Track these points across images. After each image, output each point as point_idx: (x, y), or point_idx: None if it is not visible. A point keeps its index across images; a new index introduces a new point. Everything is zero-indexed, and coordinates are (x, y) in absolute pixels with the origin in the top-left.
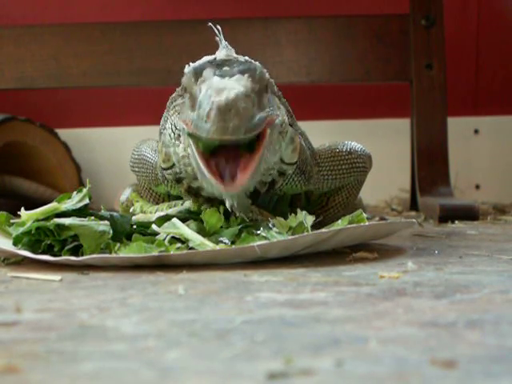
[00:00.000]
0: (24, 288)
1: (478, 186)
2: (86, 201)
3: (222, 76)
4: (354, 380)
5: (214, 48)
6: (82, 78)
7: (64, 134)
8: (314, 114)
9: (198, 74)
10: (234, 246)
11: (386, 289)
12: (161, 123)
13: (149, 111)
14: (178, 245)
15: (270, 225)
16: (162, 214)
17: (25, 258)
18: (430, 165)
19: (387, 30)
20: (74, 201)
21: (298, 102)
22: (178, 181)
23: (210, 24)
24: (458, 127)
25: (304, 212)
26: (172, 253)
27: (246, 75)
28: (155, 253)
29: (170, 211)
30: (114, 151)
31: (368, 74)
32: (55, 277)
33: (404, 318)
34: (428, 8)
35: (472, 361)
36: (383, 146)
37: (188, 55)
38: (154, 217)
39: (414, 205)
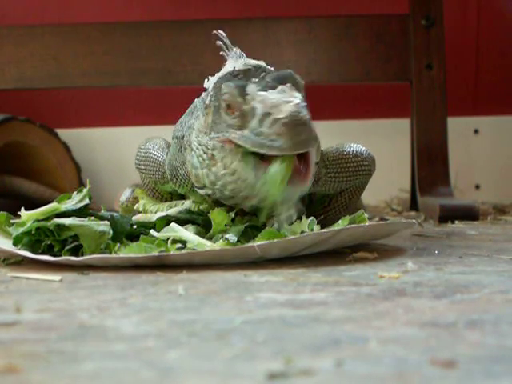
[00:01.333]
0: (24, 288)
1: (477, 186)
2: (86, 201)
3: (264, 89)
4: (354, 380)
5: (214, 48)
6: (81, 78)
7: (64, 134)
8: (314, 114)
9: (241, 91)
10: (236, 246)
11: (386, 289)
12: (178, 127)
13: (149, 111)
14: (179, 245)
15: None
16: (162, 214)
17: (25, 258)
18: (430, 165)
19: (387, 30)
20: (74, 201)
21: None
22: (212, 197)
23: (214, 32)
24: (458, 127)
25: (311, 219)
26: (172, 253)
27: (289, 84)
28: (155, 253)
29: (171, 211)
30: (114, 151)
31: (368, 74)
32: (55, 277)
33: (404, 318)
34: (428, 8)
35: (472, 361)
36: (383, 146)
37: (188, 55)
38: (154, 217)
39: (414, 205)
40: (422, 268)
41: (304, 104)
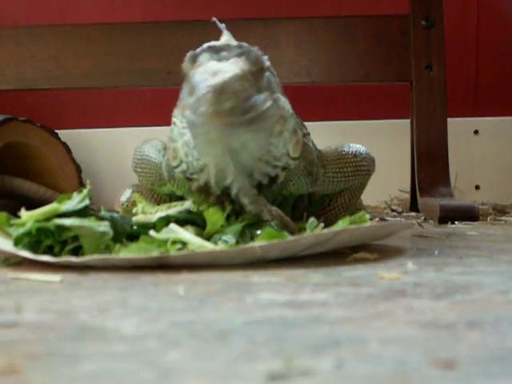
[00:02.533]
0: (24, 289)
1: (477, 187)
2: (87, 202)
3: (219, 60)
4: (354, 381)
5: None
6: (82, 79)
7: (64, 134)
8: (315, 114)
9: (195, 59)
10: (236, 247)
11: (386, 289)
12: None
13: (149, 112)
14: (179, 246)
15: (273, 223)
16: (162, 214)
17: (25, 259)
18: (430, 165)
19: (387, 31)
20: (75, 202)
21: (298, 102)
22: (190, 179)
23: (214, 18)
24: (458, 128)
25: (312, 219)
26: (172, 254)
27: (243, 57)
28: (155, 254)
29: (171, 211)
30: (115, 152)
31: (368, 74)
32: (55, 277)
33: (404, 318)
34: (428, 9)
35: (472, 361)
36: (383, 146)
37: None
38: (154, 217)
39: (414, 205)
40: (422, 268)
41: (243, 76)
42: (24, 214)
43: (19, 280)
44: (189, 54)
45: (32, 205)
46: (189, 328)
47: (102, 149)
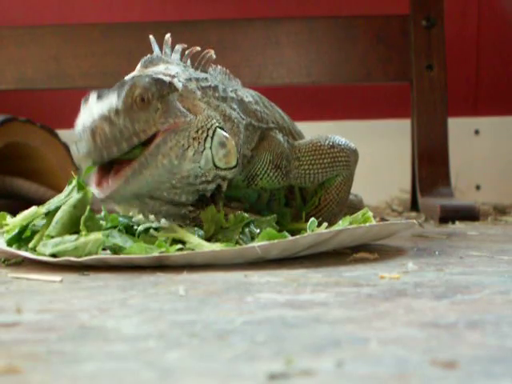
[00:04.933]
0: (24, 289)
1: (478, 187)
2: (75, 194)
3: (100, 99)
4: (354, 380)
5: (215, 48)
6: (82, 79)
7: (65, 134)
8: (315, 114)
9: (86, 99)
10: (236, 247)
11: (386, 289)
12: None
13: None
14: (179, 246)
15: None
16: None
17: (25, 259)
18: (431, 165)
19: (388, 31)
20: (63, 195)
21: (298, 102)
22: None
23: (150, 37)
24: (459, 128)
25: (312, 219)
26: (172, 253)
27: (116, 94)
28: (156, 253)
29: None
30: None
31: (368, 74)
32: (56, 277)
33: (404, 318)
34: (428, 9)
35: (472, 361)
36: (384, 146)
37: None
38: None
39: (414, 205)
40: (423, 268)
41: (106, 118)
42: (10, 221)
43: (19, 280)
44: (84, 97)
45: (32, 205)
46: (189, 328)
47: None
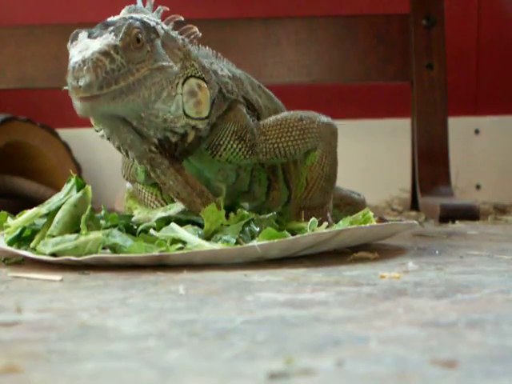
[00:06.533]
0: (24, 288)
1: (478, 186)
2: (74, 193)
3: (94, 37)
4: (354, 380)
5: (215, 47)
6: None
7: (64, 133)
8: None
9: (76, 37)
10: (236, 246)
11: (386, 289)
12: None
13: None
14: (179, 245)
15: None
16: (163, 214)
17: (25, 258)
18: (431, 165)
19: (388, 30)
20: (62, 194)
21: (298, 101)
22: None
23: None
24: (459, 127)
25: (312, 219)
26: (172, 253)
27: (112, 33)
28: (156, 253)
29: (171, 212)
30: (115, 151)
31: (368, 73)
32: (56, 277)
33: (405, 317)
34: (429, 8)
35: (472, 361)
36: (384, 146)
37: None
38: (154, 217)
39: (414, 205)
40: (423, 268)
41: (103, 52)
42: (11, 223)
43: (20, 279)
44: (72, 33)
45: (32, 204)
46: (189, 327)
47: (102, 148)
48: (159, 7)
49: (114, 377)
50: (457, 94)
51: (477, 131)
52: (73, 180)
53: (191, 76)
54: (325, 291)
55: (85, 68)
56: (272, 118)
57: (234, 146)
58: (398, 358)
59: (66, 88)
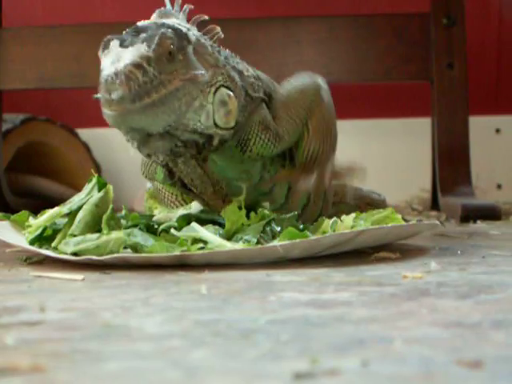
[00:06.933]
0: (47, 287)
1: (499, 186)
2: (95, 193)
3: (126, 46)
4: (380, 380)
5: (233, 48)
6: None
7: (84, 133)
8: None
9: (107, 45)
10: (257, 246)
11: (409, 289)
12: None
13: None
14: (200, 245)
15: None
16: (184, 212)
17: (47, 258)
18: (451, 164)
19: (408, 29)
20: (83, 194)
21: None
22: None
23: None
24: (480, 126)
25: (334, 219)
26: (194, 252)
27: (145, 43)
28: (177, 252)
29: (192, 210)
30: (134, 151)
31: (388, 73)
32: (77, 276)
33: (428, 318)
34: (449, 7)
35: (498, 361)
36: (404, 145)
37: None
38: (175, 217)
39: (434, 204)
40: (446, 268)
41: (136, 64)
42: (32, 222)
43: (42, 278)
44: (102, 41)
45: (52, 204)
46: (213, 327)
47: (122, 148)
48: (185, 6)
49: (138, 376)
50: (477, 93)
51: (498, 130)
52: (94, 180)
53: (222, 85)
54: (347, 291)
55: (117, 81)
56: (276, 103)
57: (263, 136)
58: (422, 359)
59: (97, 96)
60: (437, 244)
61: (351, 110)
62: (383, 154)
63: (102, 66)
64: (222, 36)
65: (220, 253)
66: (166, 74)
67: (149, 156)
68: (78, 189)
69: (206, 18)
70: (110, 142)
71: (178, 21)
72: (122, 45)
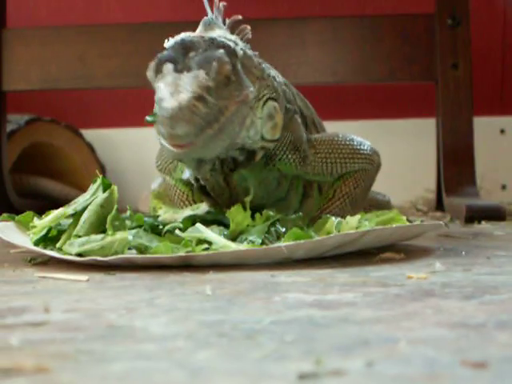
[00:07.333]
0: (51, 288)
1: (504, 187)
2: (100, 193)
3: (180, 70)
4: (384, 380)
5: None
6: (107, 79)
7: (89, 134)
8: (340, 114)
9: (159, 68)
10: (262, 247)
11: (414, 289)
12: None
13: None
14: (205, 245)
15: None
16: (189, 213)
17: (51, 258)
18: (456, 165)
19: (412, 30)
20: (88, 195)
21: (323, 102)
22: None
23: None
24: (484, 127)
25: (338, 219)
26: (198, 253)
27: (202, 70)
28: (182, 253)
29: (198, 211)
30: (139, 151)
31: (393, 73)
32: (82, 277)
33: (433, 318)
34: (454, 7)
35: (503, 361)
36: (409, 146)
37: None
38: (180, 217)
39: (439, 205)
40: (450, 269)
41: (199, 97)
42: (37, 223)
43: (46, 279)
44: (153, 64)
45: (56, 204)
46: (218, 327)
47: (126, 148)
48: (220, 5)
49: (143, 377)
50: (482, 94)
51: (502, 131)
52: (99, 180)
53: (269, 98)
54: (352, 292)
55: (181, 116)
56: (323, 134)
57: (290, 156)
58: (427, 359)
59: (149, 121)
60: (441, 245)
61: (356, 110)
62: (388, 155)
63: (160, 96)
64: (250, 36)
65: (225, 253)
66: (223, 100)
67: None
68: (83, 189)
69: (240, 17)
70: (115, 143)
71: (223, 31)
72: (176, 69)
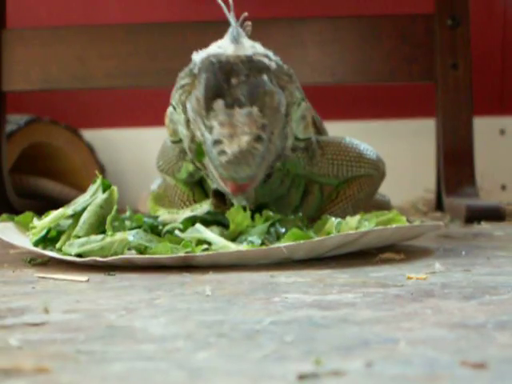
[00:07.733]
0: (51, 289)
1: (504, 187)
2: (100, 194)
3: (231, 106)
4: (384, 381)
5: None
6: (106, 79)
7: (88, 134)
8: (339, 114)
9: (208, 107)
10: (262, 247)
11: (413, 290)
12: (171, 98)
13: None
14: (204, 246)
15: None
16: (189, 214)
17: (51, 259)
18: (456, 165)
19: (412, 30)
20: (88, 195)
21: (322, 102)
22: (184, 153)
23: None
24: (484, 127)
25: (338, 220)
26: (198, 254)
27: (256, 109)
28: (181, 254)
29: (198, 212)
30: (138, 152)
31: (393, 74)
32: (82, 277)
33: (433, 319)
34: (453, 8)
35: (502, 362)
36: (408, 146)
37: None
38: (180, 218)
39: (439, 205)
40: (450, 269)
41: (257, 138)
42: (37, 223)
43: (46, 280)
44: (202, 102)
45: (56, 205)
46: (217, 328)
47: (125, 149)
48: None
49: (143, 377)
50: (482, 94)
51: (502, 131)
52: (99, 181)
53: (302, 99)
54: (352, 292)
55: (243, 161)
56: (330, 137)
57: (299, 155)
58: (427, 360)
59: (200, 160)
60: (441, 245)
61: (355, 110)
62: (387, 155)
63: (215, 138)
64: (250, 34)
65: (224, 254)
66: (272, 127)
67: None
68: (82, 190)
69: (247, 14)
70: (114, 143)
71: (250, 42)
72: (227, 105)
